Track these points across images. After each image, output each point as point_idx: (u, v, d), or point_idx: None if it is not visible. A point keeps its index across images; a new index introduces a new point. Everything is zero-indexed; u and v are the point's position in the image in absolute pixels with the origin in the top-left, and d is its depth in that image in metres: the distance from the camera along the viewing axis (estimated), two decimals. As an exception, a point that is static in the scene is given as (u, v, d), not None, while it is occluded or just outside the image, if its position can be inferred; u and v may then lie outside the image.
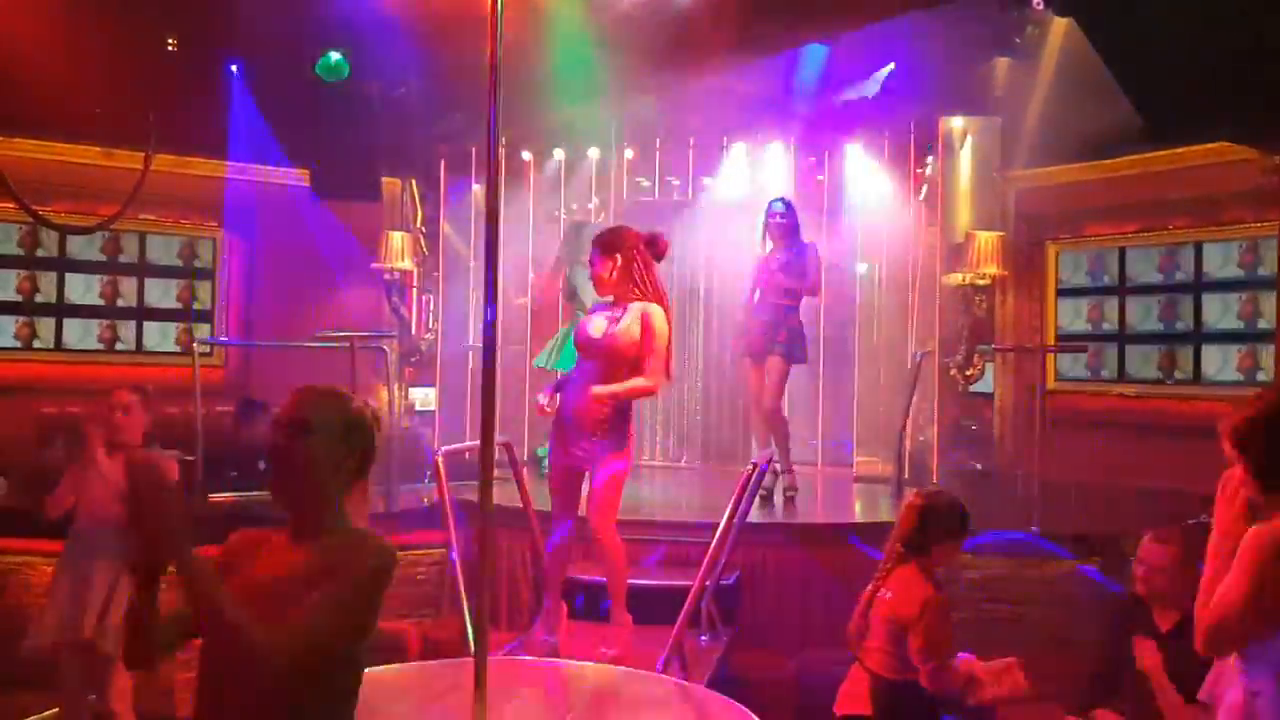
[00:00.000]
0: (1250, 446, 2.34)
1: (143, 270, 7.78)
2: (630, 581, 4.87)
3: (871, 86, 7.84)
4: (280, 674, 1.90)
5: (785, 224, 6.66)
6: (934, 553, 3.56)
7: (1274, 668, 2.37)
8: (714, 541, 4.44)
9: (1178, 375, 6.90)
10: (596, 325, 4.51)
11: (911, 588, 3.49)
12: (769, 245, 6.72)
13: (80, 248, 7.54)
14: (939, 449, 7.71)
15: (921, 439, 7.73)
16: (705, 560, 4.39)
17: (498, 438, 6.20)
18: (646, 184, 8.65)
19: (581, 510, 4.65)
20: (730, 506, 4.53)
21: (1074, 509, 6.19)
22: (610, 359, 4.44)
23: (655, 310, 4.45)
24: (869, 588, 3.83)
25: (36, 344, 7.45)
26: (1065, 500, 6.27)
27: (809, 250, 6.66)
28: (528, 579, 5.79)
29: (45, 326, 7.51)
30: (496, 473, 6.44)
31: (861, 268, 8.35)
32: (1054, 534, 5.56)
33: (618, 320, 4.47)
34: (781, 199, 6.92)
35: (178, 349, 7.67)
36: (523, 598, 5.79)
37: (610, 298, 4.57)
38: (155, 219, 7.69)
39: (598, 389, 4.35)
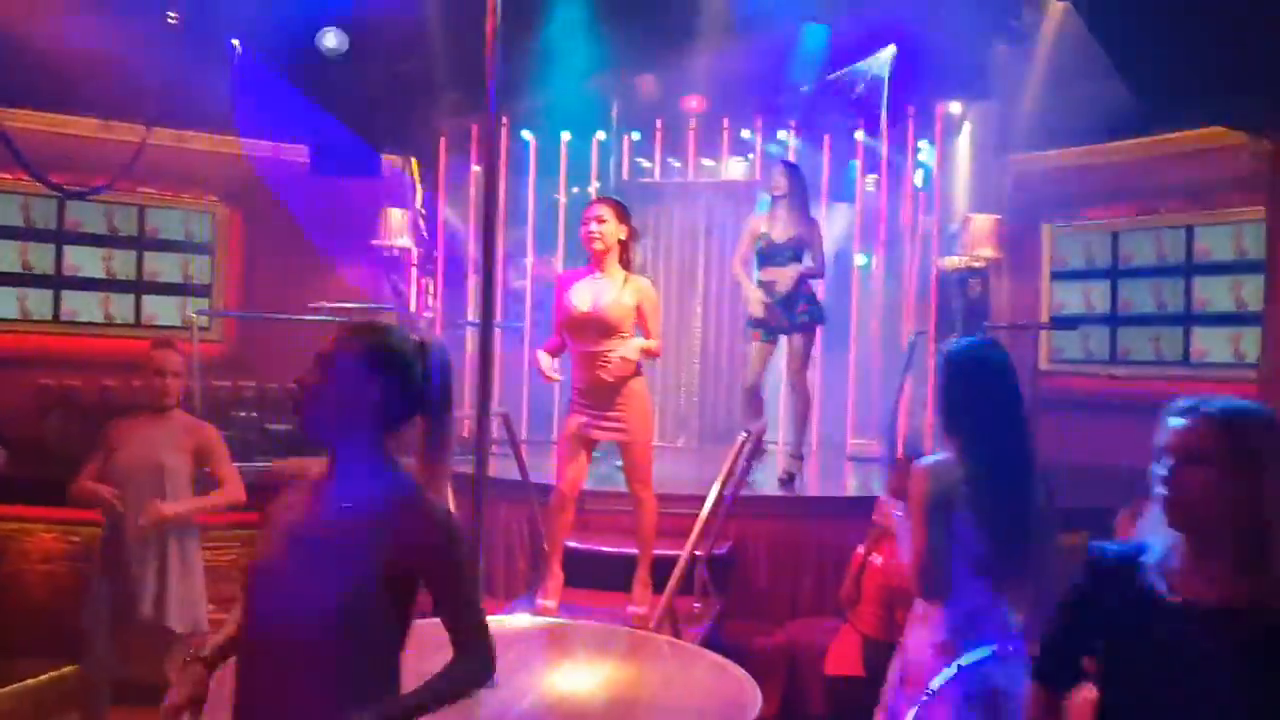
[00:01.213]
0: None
1: (142, 244, 7.81)
2: (625, 550, 4.95)
3: (872, 69, 7.87)
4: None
5: (781, 188, 6.38)
6: None
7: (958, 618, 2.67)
8: (705, 508, 4.49)
9: (1169, 357, 6.96)
10: (582, 298, 4.55)
11: (890, 546, 3.54)
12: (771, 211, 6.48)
13: (80, 220, 7.58)
14: (934, 432, 7.75)
15: (916, 424, 7.77)
16: (696, 526, 4.44)
17: (496, 409, 6.30)
18: (648, 165, 8.69)
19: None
20: (722, 473, 4.59)
21: (1063, 486, 6.23)
22: (602, 329, 4.52)
23: (649, 284, 4.65)
24: (860, 552, 3.90)
25: (35, 316, 7.49)
26: (1055, 479, 6.30)
27: (816, 228, 6.43)
28: (525, 550, 5.84)
29: (44, 299, 7.55)
30: (495, 449, 6.54)
31: (861, 259, 8.38)
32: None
33: (604, 292, 4.53)
34: (784, 161, 6.77)
35: (177, 323, 7.71)
36: (519, 568, 5.83)
37: (588, 262, 4.65)
38: (155, 193, 7.73)
39: (627, 352, 4.48)
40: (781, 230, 6.37)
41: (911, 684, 2.73)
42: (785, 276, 6.31)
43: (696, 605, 4.95)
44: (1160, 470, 1.82)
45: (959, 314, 7.59)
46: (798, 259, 6.32)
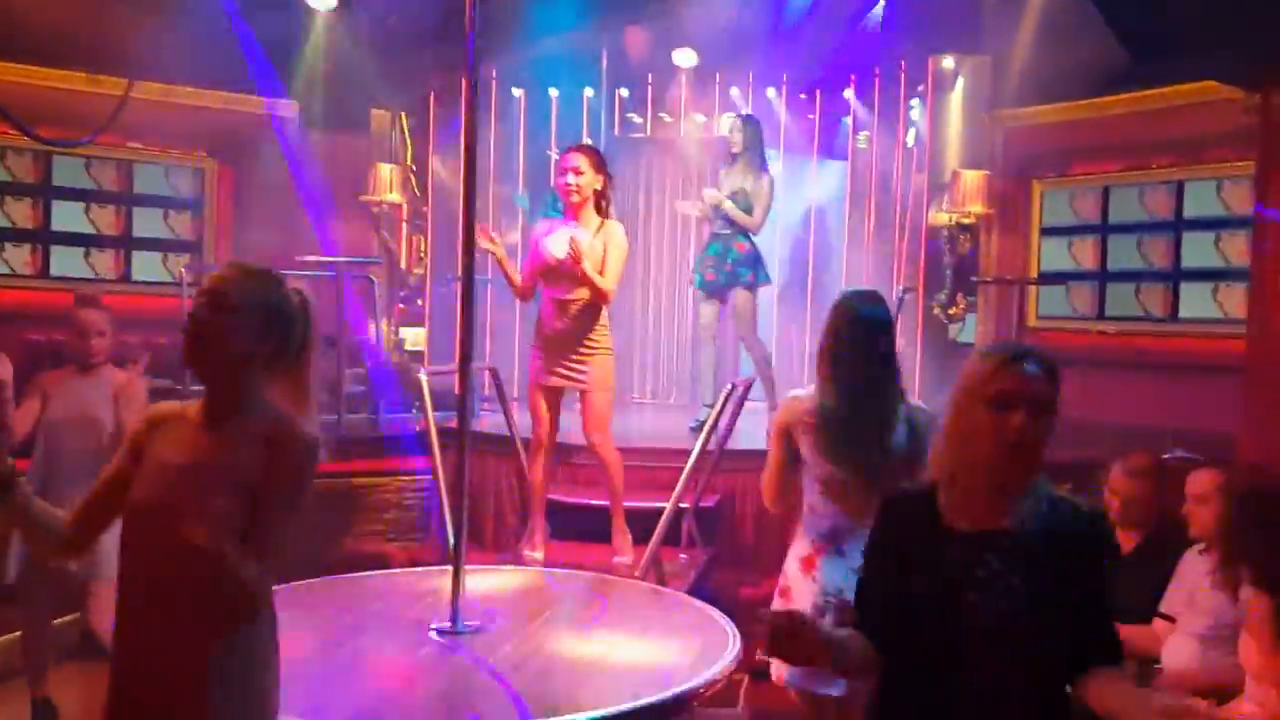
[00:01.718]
0: None
1: (130, 199, 7.79)
2: (608, 502, 5.00)
3: (865, 23, 7.83)
4: (255, 601, 1.98)
5: (738, 144, 6.53)
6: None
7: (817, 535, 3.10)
8: (690, 460, 4.53)
9: (1156, 313, 6.98)
10: (557, 245, 4.57)
11: None
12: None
13: (67, 176, 7.55)
14: (921, 392, 7.80)
15: (906, 386, 7.79)
16: (681, 479, 4.48)
17: (485, 363, 6.33)
18: (639, 120, 8.66)
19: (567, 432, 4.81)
20: (707, 425, 4.62)
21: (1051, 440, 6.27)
22: (573, 277, 4.55)
23: (620, 227, 4.67)
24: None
25: (22, 271, 7.48)
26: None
27: (764, 183, 6.50)
28: (514, 504, 5.89)
29: (31, 255, 7.54)
30: (486, 405, 6.56)
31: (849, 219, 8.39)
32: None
33: (581, 241, 4.55)
34: (739, 114, 6.85)
35: (166, 279, 7.71)
36: (508, 522, 5.89)
37: (564, 212, 4.69)
38: (142, 147, 7.69)
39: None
40: (732, 184, 6.48)
41: (784, 595, 3.14)
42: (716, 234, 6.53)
43: (683, 556, 5.02)
44: (996, 413, 1.91)
45: (948, 270, 7.61)
46: (745, 213, 6.42)
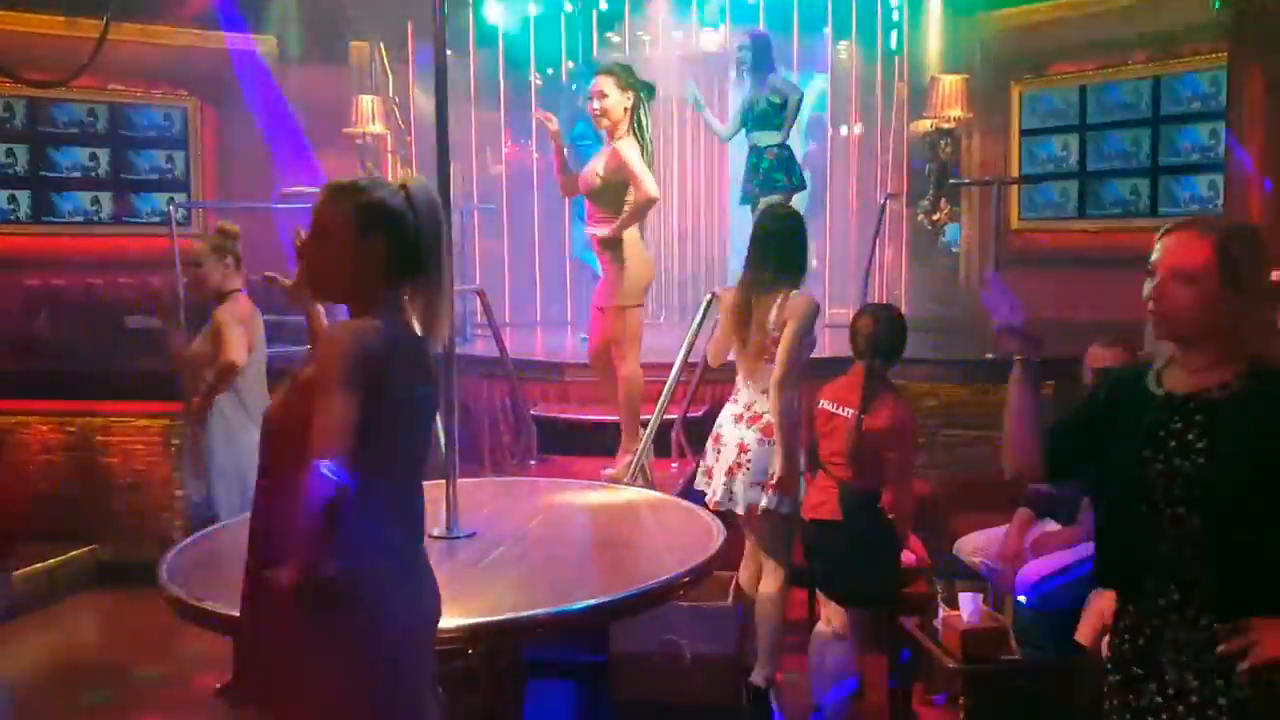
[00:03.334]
0: None
1: (117, 141, 7.82)
2: (602, 418, 5.14)
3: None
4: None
5: (746, 61, 6.52)
6: (891, 366, 3.78)
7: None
8: (673, 371, 4.65)
9: (1137, 208, 7.05)
10: (589, 167, 4.67)
11: (884, 406, 3.70)
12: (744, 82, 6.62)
13: (55, 120, 7.59)
14: (909, 295, 7.91)
15: (895, 292, 7.90)
16: (665, 390, 4.60)
17: (473, 285, 6.42)
18: (617, 39, 8.63)
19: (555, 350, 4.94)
20: (689, 335, 4.74)
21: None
22: (595, 197, 4.65)
23: (626, 142, 4.55)
24: (831, 404, 4.03)
25: (16, 218, 7.55)
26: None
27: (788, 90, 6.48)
28: (508, 424, 6.02)
29: (23, 200, 7.60)
30: (478, 330, 6.63)
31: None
32: (1009, 360, 5.79)
33: (594, 162, 4.63)
34: (750, 31, 6.80)
35: (157, 219, 7.77)
36: (504, 442, 6.03)
37: (602, 134, 4.69)
38: (125, 89, 7.71)
39: (599, 233, 4.61)
40: (745, 98, 6.49)
41: (714, 441, 4.00)
42: (765, 139, 6.45)
43: (673, 465, 5.16)
44: (1148, 285, 1.97)
45: (931, 175, 7.65)
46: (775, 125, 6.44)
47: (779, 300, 3.78)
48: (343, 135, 7.65)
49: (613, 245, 4.62)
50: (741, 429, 3.89)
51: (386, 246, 2.00)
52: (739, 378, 4.01)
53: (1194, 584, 1.93)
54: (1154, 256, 1.98)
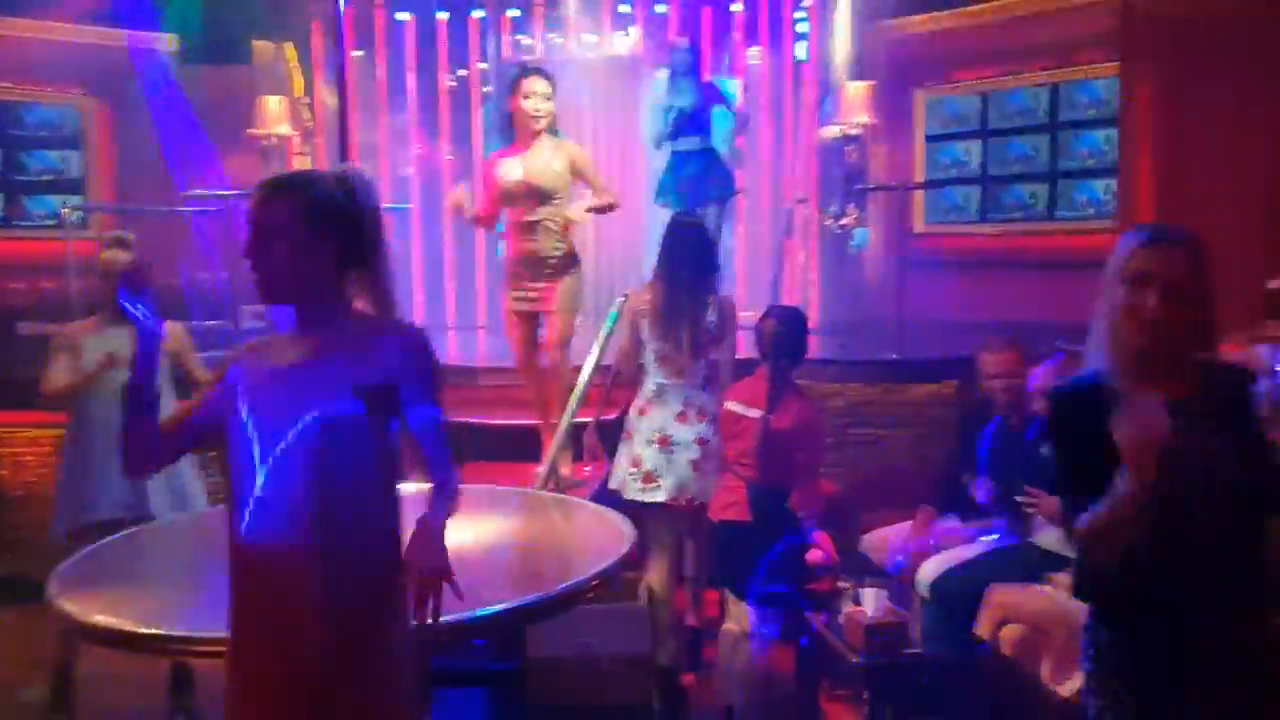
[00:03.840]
0: None
1: (6, 141, 7.56)
2: (520, 423, 5.11)
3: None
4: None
5: (684, 68, 6.74)
6: (796, 367, 3.84)
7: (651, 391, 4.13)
8: (584, 373, 4.65)
9: (1036, 212, 7.25)
10: (512, 169, 4.63)
11: (791, 406, 3.75)
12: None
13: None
14: (819, 300, 8.05)
15: (806, 295, 8.02)
16: (575, 392, 4.61)
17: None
18: (529, 43, 8.61)
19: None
20: (600, 338, 4.75)
21: (937, 340, 6.54)
22: (535, 196, 4.62)
23: (576, 144, 4.81)
24: (739, 405, 4.08)
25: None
26: (931, 333, 6.64)
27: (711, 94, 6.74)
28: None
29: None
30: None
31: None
32: (914, 360, 5.94)
33: (535, 160, 4.60)
34: (680, 43, 6.99)
35: (51, 222, 7.52)
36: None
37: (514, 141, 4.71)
38: (14, 86, 7.45)
39: (575, 214, 4.64)
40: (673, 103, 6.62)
41: (627, 435, 4.19)
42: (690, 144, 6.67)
43: (586, 469, 5.15)
44: (1129, 295, 1.97)
45: (838, 180, 7.78)
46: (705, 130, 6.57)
47: (712, 301, 4.03)
48: (247, 136, 7.50)
49: (568, 249, 4.70)
50: (693, 426, 4.03)
51: (337, 241, 1.97)
52: (662, 379, 4.09)
53: (1208, 600, 1.94)
54: (1141, 267, 1.97)
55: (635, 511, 4.26)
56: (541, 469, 4.66)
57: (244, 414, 1.96)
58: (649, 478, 4.06)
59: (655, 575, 4.13)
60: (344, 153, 3.42)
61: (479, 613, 2.63)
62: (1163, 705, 1.96)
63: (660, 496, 4.02)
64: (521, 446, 5.05)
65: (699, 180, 6.62)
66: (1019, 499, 3.56)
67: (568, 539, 3.45)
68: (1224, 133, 5.59)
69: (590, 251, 8.52)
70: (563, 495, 4.18)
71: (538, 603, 2.78)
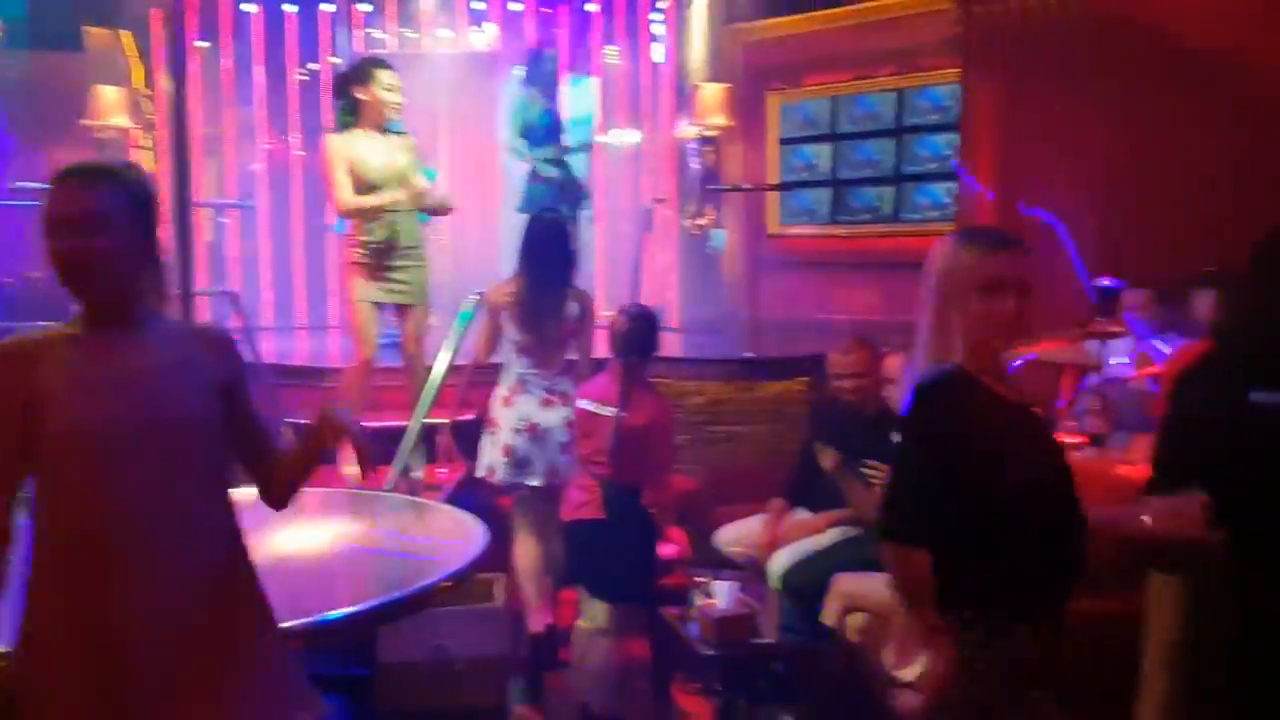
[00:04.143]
0: None
1: None
2: (371, 423, 5.00)
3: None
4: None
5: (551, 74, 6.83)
6: (649, 365, 3.85)
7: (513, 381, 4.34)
8: (435, 374, 4.60)
9: (884, 214, 7.47)
10: (375, 156, 4.63)
11: (643, 404, 3.76)
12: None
13: None
14: (681, 299, 8.14)
15: (666, 295, 8.09)
16: (426, 393, 4.55)
17: (223, 286, 6.13)
18: (381, 37, 8.44)
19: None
20: (453, 338, 4.70)
21: (790, 339, 6.69)
22: (397, 185, 4.65)
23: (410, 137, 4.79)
24: (591, 403, 4.08)
25: None
26: (785, 332, 6.78)
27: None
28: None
29: None
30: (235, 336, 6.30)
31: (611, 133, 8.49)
32: (768, 358, 6.05)
33: (391, 150, 4.65)
34: (542, 46, 7.01)
35: None
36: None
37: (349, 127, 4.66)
38: None
39: (436, 202, 4.85)
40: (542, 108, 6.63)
41: (491, 424, 4.37)
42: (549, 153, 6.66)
43: (441, 471, 5.09)
44: (987, 300, 2.02)
45: (696, 181, 7.88)
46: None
47: (571, 294, 4.26)
48: (79, 128, 7.13)
49: (421, 243, 4.73)
50: (559, 410, 4.26)
51: (147, 233, 1.88)
52: (524, 369, 4.30)
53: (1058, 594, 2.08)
54: (997, 272, 2.03)
55: (507, 495, 4.43)
56: (392, 470, 4.58)
57: (70, 423, 1.82)
58: (521, 464, 4.25)
59: (524, 553, 4.25)
60: (181, 147, 3.26)
61: (326, 617, 2.58)
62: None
63: (535, 481, 4.23)
64: (378, 448, 4.93)
65: (552, 192, 6.64)
66: (863, 469, 3.66)
67: (419, 541, 3.39)
68: (1059, 138, 5.88)
69: (448, 250, 8.45)
70: (414, 498, 4.11)
71: (386, 606, 2.73)
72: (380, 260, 4.62)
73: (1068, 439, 4.10)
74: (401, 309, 4.75)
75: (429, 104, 8.39)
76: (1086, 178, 5.74)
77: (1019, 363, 4.53)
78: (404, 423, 4.91)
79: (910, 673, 3.21)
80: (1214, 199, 5.03)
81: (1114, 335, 4.15)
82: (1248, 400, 2.28)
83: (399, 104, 4.62)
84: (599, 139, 8.24)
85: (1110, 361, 4.16)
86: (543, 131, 6.60)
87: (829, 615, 3.48)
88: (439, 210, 4.89)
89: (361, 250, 4.62)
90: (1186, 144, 5.20)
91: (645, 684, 3.85)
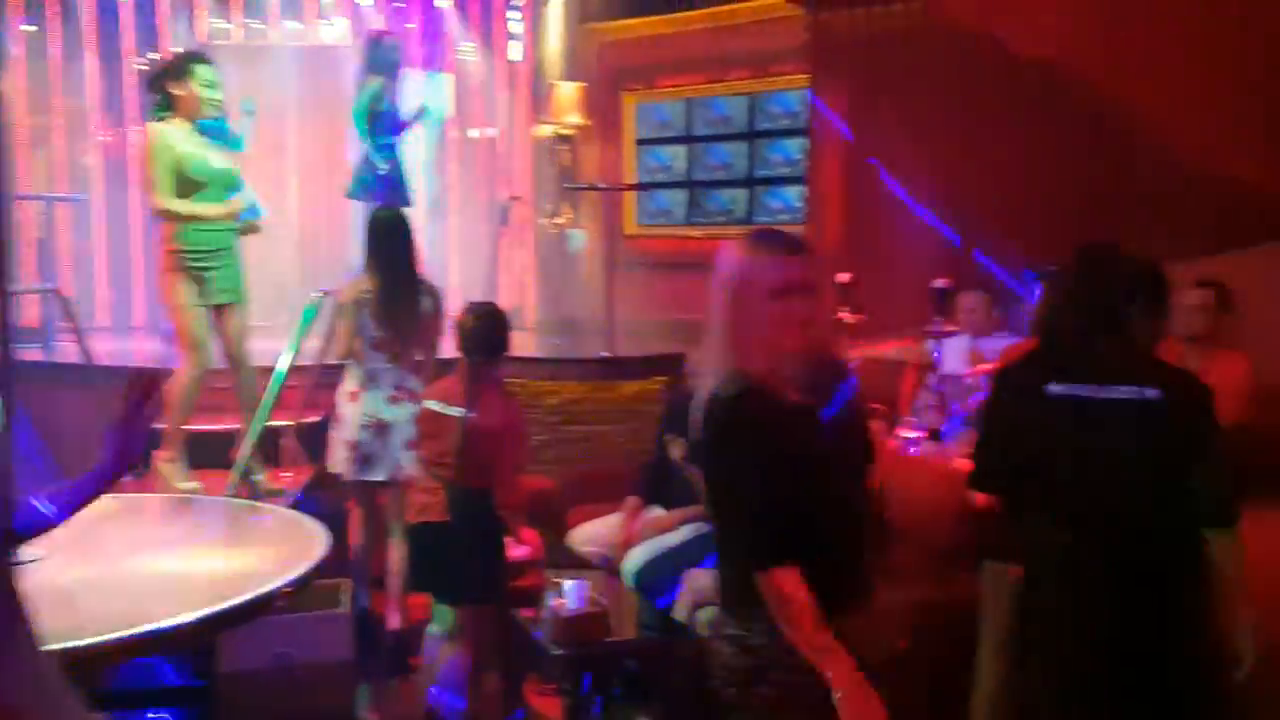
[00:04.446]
0: None
1: None
2: (206, 427, 4.82)
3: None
4: None
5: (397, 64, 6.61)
6: (497, 365, 3.80)
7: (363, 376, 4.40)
8: (273, 377, 4.50)
9: (737, 216, 7.59)
10: (206, 156, 4.48)
11: (492, 403, 3.70)
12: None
13: None
14: (539, 297, 8.10)
15: (524, 295, 8.04)
16: (266, 396, 4.44)
17: (53, 284, 5.83)
18: (225, 26, 8.14)
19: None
20: (294, 338, 4.60)
21: (647, 339, 6.72)
22: (227, 185, 4.55)
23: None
24: (437, 404, 4.00)
25: None
26: (642, 333, 6.82)
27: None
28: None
29: None
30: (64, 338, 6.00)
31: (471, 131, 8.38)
32: (624, 358, 6.07)
33: (215, 149, 4.52)
34: (375, 31, 6.82)
35: None
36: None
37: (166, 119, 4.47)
38: None
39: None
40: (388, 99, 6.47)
41: (337, 420, 4.39)
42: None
43: (285, 475, 4.94)
44: (785, 305, 2.02)
45: (551, 180, 7.86)
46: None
47: (424, 289, 4.32)
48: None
49: (234, 244, 4.57)
50: (405, 407, 4.25)
51: None
52: (375, 364, 4.30)
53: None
54: (793, 277, 2.03)
55: (355, 496, 4.44)
56: (232, 475, 4.42)
57: None
58: (366, 460, 4.28)
59: (371, 550, 4.35)
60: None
61: (158, 626, 2.48)
62: None
63: (379, 476, 4.30)
64: (216, 452, 4.76)
65: (381, 183, 6.51)
66: None
67: (258, 546, 3.28)
68: (901, 146, 6.08)
69: (296, 246, 8.22)
70: (255, 502, 3.98)
71: (221, 614, 2.63)
72: (196, 263, 4.44)
73: (908, 434, 4.24)
74: (219, 310, 4.53)
75: (276, 97, 8.16)
76: (928, 184, 5.95)
77: (858, 360, 4.73)
78: (223, 427, 4.78)
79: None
80: (1050, 204, 5.28)
81: (950, 335, 4.30)
82: (1046, 393, 2.42)
83: (218, 100, 4.45)
84: (453, 135, 8.14)
85: (946, 360, 4.32)
86: (381, 121, 6.43)
87: (680, 611, 3.51)
88: (250, 230, 4.75)
89: (177, 253, 4.42)
90: (1024, 152, 5.44)
91: (496, 687, 3.80)
